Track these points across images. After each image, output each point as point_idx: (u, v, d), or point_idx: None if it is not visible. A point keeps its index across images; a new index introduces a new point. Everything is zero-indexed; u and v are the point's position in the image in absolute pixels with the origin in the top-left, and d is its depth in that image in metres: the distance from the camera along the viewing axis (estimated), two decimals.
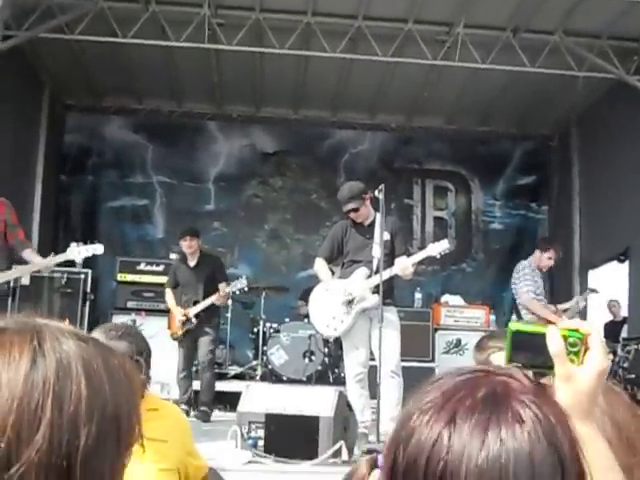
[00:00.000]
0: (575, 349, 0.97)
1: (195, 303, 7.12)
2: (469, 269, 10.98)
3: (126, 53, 8.76)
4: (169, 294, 7.42)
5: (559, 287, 10.82)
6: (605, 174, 9.56)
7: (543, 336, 0.98)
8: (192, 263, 7.26)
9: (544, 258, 6.79)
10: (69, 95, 10.55)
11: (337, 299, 5.43)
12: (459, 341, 8.27)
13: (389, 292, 5.46)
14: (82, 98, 10.56)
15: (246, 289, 7.23)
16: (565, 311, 6.86)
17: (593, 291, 7.86)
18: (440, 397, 0.80)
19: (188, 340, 7.11)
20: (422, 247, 6.47)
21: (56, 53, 8.92)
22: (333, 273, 5.87)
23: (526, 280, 6.63)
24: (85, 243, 5.75)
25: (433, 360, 8.05)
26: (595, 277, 10.36)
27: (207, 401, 7.08)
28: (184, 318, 7.08)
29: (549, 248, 6.85)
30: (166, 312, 7.60)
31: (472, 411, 0.77)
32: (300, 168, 10.85)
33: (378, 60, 8.41)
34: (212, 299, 7.00)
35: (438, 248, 5.41)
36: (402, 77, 9.23)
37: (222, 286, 7.09)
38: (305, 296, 9.17)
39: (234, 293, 7.19)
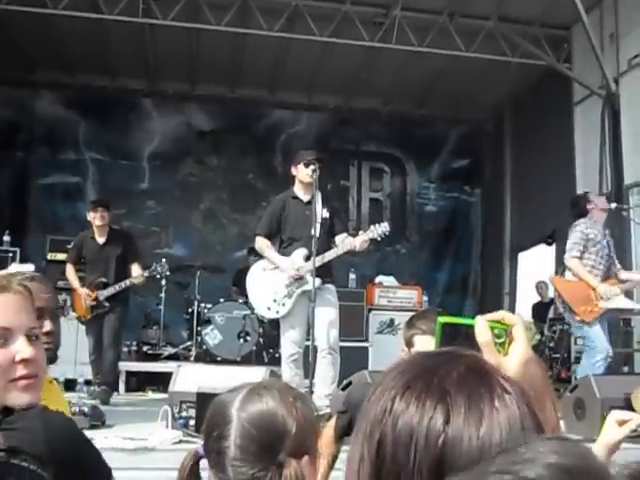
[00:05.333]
0: (500, 340, 1.01)
1: (105, 285, 6.53)
2: (403, 250, 11.13)
3: (57, 25, 8.50)
4: (70, 270, 6.74)
5: (489, 269, 11.10)
6: (535, 159, 9.81)
7: (471, 327, 1.01)
8: (101, 240, 6.64)
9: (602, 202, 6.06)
10: None
11: (278, 281, 5.40)
12: (392, 321, 8.38)
13: (328, 271, 5.46)
14: (10, 71, 10.16)
15: (167, 273, 6.87)
16: (624, 282, 5.93)
17: None
18: (423, 373, 0.78)
19: (97, 323, 6.57)
20: (358, 228, 6.47)
21: None
22: None
23: (575, 237, 5.82)
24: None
25: (367, 340, 8.13)
26: (524, 259, 10.66)
27: (110, 381, 6.56)
28: (94, 303, 6.50)
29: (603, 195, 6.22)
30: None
31: (463, 384, 0.76)
32: (236, 147, 10.75)
33: (315, 40, 8.39)
34: (127, 283, 6.47)
35: (379, 230, 5.43)
36: (339, 58, 9.23)
37: (138, 270, 6.55)
38: (238, 280, 9.17)
39: (154, 278, 6.79)
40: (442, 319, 1.05)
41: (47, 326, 2.00)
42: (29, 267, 5.58)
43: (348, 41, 8.44)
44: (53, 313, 2.05)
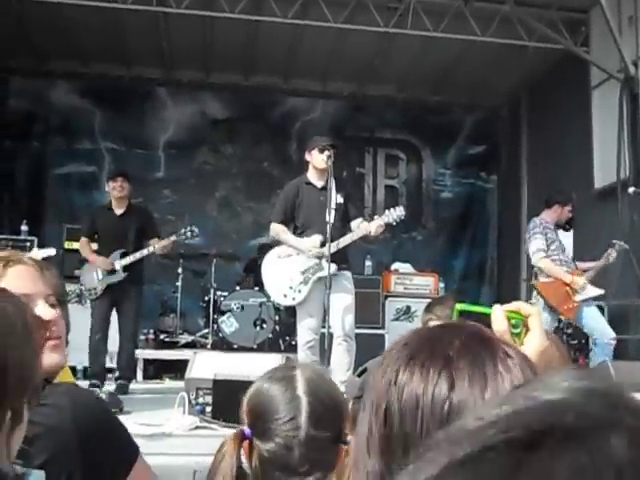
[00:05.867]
0: (517, 330, 1.01)
1: (123, 256, 6.17)
2: (419, 237, 11.09)
3: (72, 15, 8.50)
4: (85, 244, 6.39)
5: (506, 255, 11.04)
6: (552, 144, 9.72)
7: (488, 316, 1.01)
8: (119, 211, 6.32)
9: (565, 211, 6.45)
10: (12, 58, 10.20)
11: (293, 267, 5.40)
12: (408, 308, 8.37)
13: (344, 258, 5.46)
14: (26, 61, 10.21)
15: (197, 238, 6.68)
16: (585, 271, 6.25)
17: (619, 244, 6.58)
18: (425, 344, 0.79)
19: (107, 299, 6.20)
20: (373, 215, 6.44)
21: None
22: None
23: (535, 239, 6.19)
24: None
25: (383, 327, 8.13)
26: None
27: (130, 376, 6.50)
28: (111, 267, 6.12)
29: (569, 201, 6.49)
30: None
31: (466, 350, 0.77)
32: (251, 135, 10.74)
33: (329, 27, 8.34)
34: (151, 250, 6.13)
35: (394, 214, 5.41)
36: (354, 44, 9.17)
37: (156, 242, 6.24)
38: (250, 267, 9.20)
39: (182, 242, 6.53)
40: (459, 306, 1.06)
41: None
42: (50, 251, 5.63)
43: (362, 27, 8.38)
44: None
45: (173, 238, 6.29)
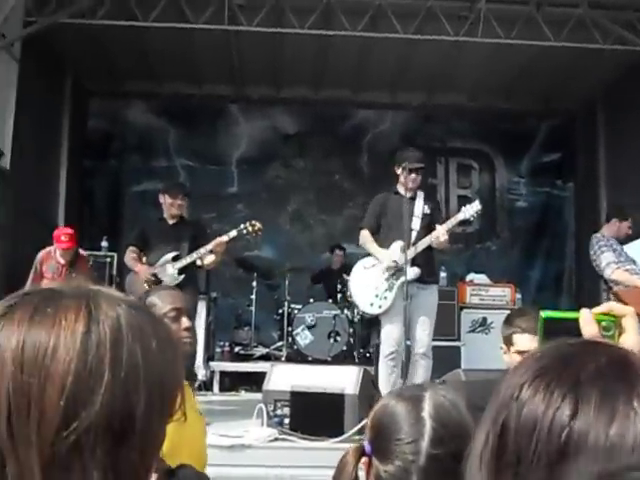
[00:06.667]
0: (609, 333, 0.95)
1: (175, 259, 5.84)
2: (494, 248, 10.90)
3: (147, 37, 8.77)
4: (131, 253, 5.99)
5: (585, 265, 10.71)
6: (631, 149, 9.41)
7: (576, 321, 0.96)
8: (172, 221, 6.08)
9: (624, 227, 6.30)
10: (91, 80, 10.58)
11: (378, 277, 5.42)
12: (484, 320, 8.22)
13: (431, 270, 5.47)
14: (104, 83, 10.59)
15: (259, 234, 6.15)
16: None
17: None
18: (557, 362, 0.73)
19: None
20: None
21: (77, 39, 8.94)
22: None
23: (603, 253, 6.09)
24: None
25: (459, 339, 8.01)
26: None
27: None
28: (153, 278, 5.75)
29: (628, 216, 6.32)
30: None
31: (599, 377, 0.70)
32: (322, 149, 10.80)
33: (399, 38, 8.32)
34: (208, 248, 5.73)
35: (470, 210, 5.39)
36: (423, 54, 9.13)
37: (211, 257, 5.85)
38: (316, 278, 9.25)
39: (244, 238, 6.11)
40: (544, 314, 1.00)
41: (185, 323, 2.46)
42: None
43: (432, 37, 8.33)
44: (189, 313, 2.55)
45: (233, 234, 5.88)
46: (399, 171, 5.52)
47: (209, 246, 5.77)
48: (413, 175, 5.42)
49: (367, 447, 1.33)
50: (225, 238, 5.82)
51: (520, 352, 2.61)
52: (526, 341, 2.62)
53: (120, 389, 0.74)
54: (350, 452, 1.35)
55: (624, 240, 6.43)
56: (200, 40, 8.92)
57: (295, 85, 10.61)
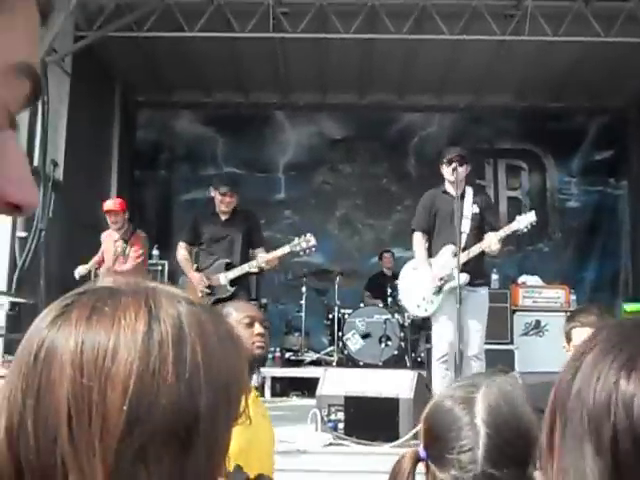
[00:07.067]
0: None
1: (228, 267, 5.74)
2: (546, 249, 10.71)
3: (193, 47, 8.88)
4: (183, 250, 5.97)
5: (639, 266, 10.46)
6: None
7: None
8: (224, 216, 5.95)
9: None
10: (140, 92, 10.78)
11: (427, 278, 5.37)
12: (538, 322, 8.07)
13: (480, 272, 5.39)
14: (152, 94, 10.77)
15: (313, 250, 5.91)
16: None
17: None
18: None
19: None
20: (496, 228, 6.25)
21: (125, 51, 9.11)
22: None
23: None
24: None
25: (512, 342, 7.89)
26: None
27: None
28: (207, 290, 5.69)
29: None
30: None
31: None
32: (369, 153, 10.78)
33: (444, 39, 8.26)
34: (260, 262, 5.59)
35: (525, 221, 5.29)
36: (469, 55, 9.04)
37: (261, 252, 5.76)
38: (370, 285, 9.20)
39: (298, 254, 5.90)
40: (628, 307, 0.96)
41: (258, 329, 2.60)
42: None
43: (478, 37, 8.25)
44: (262, 321, 2.66)
45: (287, 250, 5.79)
46: (443, 169, 5.48)
47: (262, 260, 5.71)
48: (455, 165, 5.32)
49: (422, 453, 1.29)
50: (279, 253, 5.78)
51: None
52: (585, 335, 2.56)
53: (185, 390, 0.70)
54: (406, 457, 1.32)
55: None
56: (246, 48, 9.00)
57: (341, 90, 10.61)
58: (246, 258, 5.87)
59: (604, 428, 0.65)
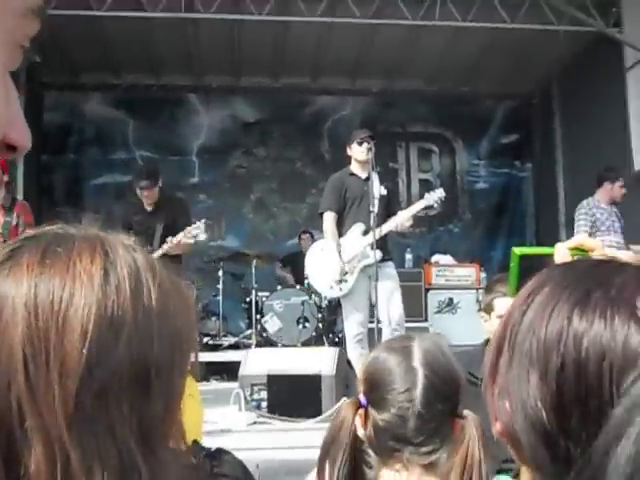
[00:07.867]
0: None
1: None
2: (456, 229, 11.04)
3: (102, 27, 8.62)
4: None
5: (545, 244, 10.91)
6: (587, 129, 9.60)
7: (550, 256, 0.96)
8: (149, 208, 6.11)
9: (616, 188, 6.30)
10: (46, 73, 10.37)
11: (335, 259, 5.42)
12: (451, 300, 8.33)
13: (386, 249, 5.49)
14: (59, 75, 10.38)
15: (203, 237, 6.02)
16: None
17: None
18: (596, 286, 0.69)
19: None
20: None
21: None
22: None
23: (579, 221, 6.16)
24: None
25: (426, 319, 8.11)
26: None
27: None
28: None
29: (618, 176, 6.30)
30: None
31: None
32: (283, 137, 10.79)
33: (357, 23, 8.34)
34: (165, 248, 5.75)
35: (434, 196, 5.45)
36: (382, 40, 9.16)
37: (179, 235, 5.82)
38: (285, 261, 9.27)
39: (195, 243, 6.00)
40: (519, 250, 1.00)
41: None
42: None
43: (390, 21, 8.37)
44: None
45: (179, 237, 5.82)
46: (351, 150, 5.56)
47: (166, 246, 5.76)
48: (365, 145, 5.42)
49: (362, 400, 1.38)
50: (175, 241, 5.79)
51: (502, 316, 2.64)
52: (508, 304, 2.67)
53: (143, 335, 0.69)
54: (344, 407, 1.39)
55: (623, 200, 6.39)
56: (157, 29, 8.81)
57: (254, 73, 10.55)
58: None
59: (552, 359, 0.68)
